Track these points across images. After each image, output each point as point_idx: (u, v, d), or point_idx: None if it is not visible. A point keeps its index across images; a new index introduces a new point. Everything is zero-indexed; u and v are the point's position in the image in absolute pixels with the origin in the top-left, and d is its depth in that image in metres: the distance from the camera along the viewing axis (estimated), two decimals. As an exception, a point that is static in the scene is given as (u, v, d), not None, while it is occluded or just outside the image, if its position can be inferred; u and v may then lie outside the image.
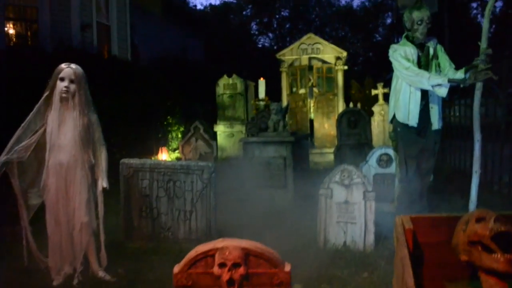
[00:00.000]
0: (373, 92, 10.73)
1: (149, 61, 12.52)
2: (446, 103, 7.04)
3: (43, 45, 8.58)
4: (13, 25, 9.70)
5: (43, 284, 3.35)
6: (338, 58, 11.39)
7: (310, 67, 11.62)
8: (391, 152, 5.10)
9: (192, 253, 1.79)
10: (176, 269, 1.79)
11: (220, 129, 10.86)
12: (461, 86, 4.07)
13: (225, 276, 1.72)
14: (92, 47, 9.99)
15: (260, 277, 1.77)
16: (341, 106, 11.23)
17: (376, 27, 30.69)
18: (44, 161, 3.45)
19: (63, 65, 3.42)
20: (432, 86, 4.07)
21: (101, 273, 3.48)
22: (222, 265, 1.73)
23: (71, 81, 3.38)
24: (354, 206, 3.96)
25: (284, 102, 10.92)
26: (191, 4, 25.81)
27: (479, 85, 3.83)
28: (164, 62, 12.96)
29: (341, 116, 8.88)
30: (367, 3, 29.73)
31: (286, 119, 10.01)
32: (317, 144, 11.18)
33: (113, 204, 4.14)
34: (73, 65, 3.44)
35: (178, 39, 16.99)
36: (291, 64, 11.65)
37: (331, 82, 11.61)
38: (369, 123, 9.03)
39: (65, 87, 3.35)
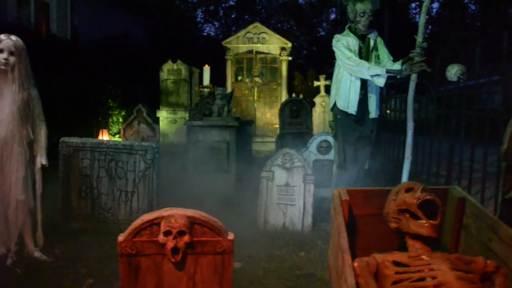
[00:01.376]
0: (316, 83, 11.02)
1: (90, 43, 12.07)
2: (384, 98, 7.40)
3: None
4: None
5: (-26, 265, 3.21)
6: (283, 48, 11.58)
7: (254, 56, 11.73)
8: (330, 139, 5.30)
9: (137, 222, 1.81)
10: (121, 237, 1.81)
11: (163, 115, 10.71)
12: (398, 77, 4.33)
13: (170, 244, 1.77)
14: (30, 24, 9.51)
15: (205, 245, 1.84)
16: (284, 96, 11.44)
17: (320, 22, 31.32)
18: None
19: (2, 36, 3.26)
20: (371, 76, 4.29)
21: (37, 253, 3.39)
22: (167, 233, 1.78)
23: (11, 53, 3.24)
24: (294, 189, 4.11)
25: (229, 89, 10.97)
26: (134, -12, 25.04)
27: (413, 76, 4.08)
28: (105, 44, 12.53)
29: (284, 105, 9.08)
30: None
31: (231, 106, 10.10)
32: (258, 132, 11.33)
33: (52, 183, 4.01)
34: (13, 37, 3.29)
35: (121, 23, 16.49)
36: (237, 53, 11.69)
37: (275, 72, 11.80)
38: (310, 113, 9.30)
39: (4, 59, 3.21)
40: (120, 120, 10.03)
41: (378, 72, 4.25)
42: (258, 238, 3.85)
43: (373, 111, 4.59)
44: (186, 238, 1.78)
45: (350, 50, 4.41)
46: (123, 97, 10.71)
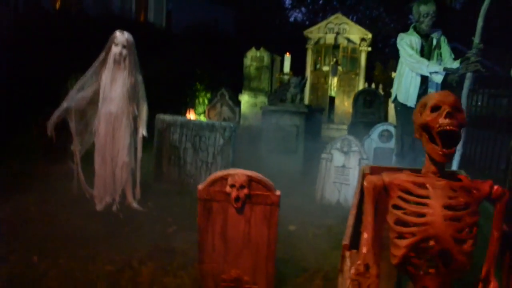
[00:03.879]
0: (393, 74, 11.18)
1: (181, 29, 13.15)
2: (471, 92, 7.43)
3: (87, 9, 9.32)
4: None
5: (88, 209, 4.11)
6: (362, 39, 11.84)
7: (335, 46, 12.09)
8: (392, 129, 5.71)
9: (212, 176, 2.53)
10: (200, 186, 2.54)
11: (245, 98, 11.49)
12: (456, 74, 4.66)
13: (234, 194, 2.46)
14: (131, 14, 10.68)
15: (258, 197, 2.50)
16: (361, 86, 11.73)
17: (410, 10, 30.32)
18: (94, 112, 4.21)
19: (117, 33, 4.13)
20: (430, 73, 4.68)
21: (135, 204, 4.27)
22: (232, 186, 2.47)
23: (124, 47, 4.09)
24: (349, 170, 4.64)
25: (308, 78, 11.50)
26: (225, -25, 26.07)
27: (469, 75, 4.41)
28: (196, 31, 13.56)
29: (357, 95, 9.46)
30: (403, -16, 29.36)
31: (306, 93, 10.62)
32: (336, 120, 11.76)
33: (148, 151, 4.89)
34: (126, 33, 4.15)
35: (211, 10, 17.50)
36: (317, 42, 12.13)
37: (355, 62, 12.11)
38: (384, 104, 9.57)
39: (119, 51, 4.07)
40: (206, 101, 10.98)
41: (436, 69, 4.63)
42: (314, 209, 4.46)
43: (432, 105, 4.95)
44: (245, 190, 2.47)
45: (412, 48, 4.81)
46: (209, 80, 11.65)
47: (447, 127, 1.72)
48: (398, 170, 2.39)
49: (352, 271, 1.68)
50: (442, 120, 1.73)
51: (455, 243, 1.65)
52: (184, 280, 2.78)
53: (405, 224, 1.73)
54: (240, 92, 11.53)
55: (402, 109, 5.02)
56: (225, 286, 2.64)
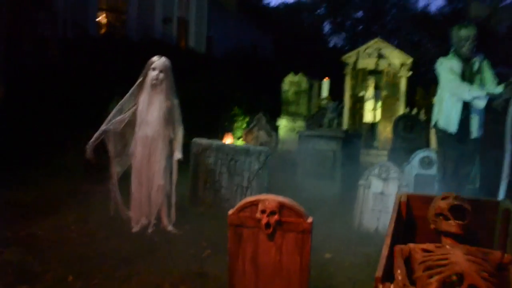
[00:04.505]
0: (434, 100, 10.90)
1: (221, 54, 13.44)
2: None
3: (130, 35, 9.69)
4: (105, 15, 10.90)
5: (125, 230, 4.18)
6: (403, 64, 11.66)
7: (374, 71, 11.96)
8: (433, 155, 5.53)
9: (242, 202, 2.51)
10: (231, 212, 2.52)
11: (283, 123, 11.49)
12: (499, 100, 4.48)
13: (264, 220, 2.42)
14: (172, 39, 11.02)
15: (290, 224, 2.45)
16: (401, 111, 11.49)
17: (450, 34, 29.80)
18: (132, 134, 4.30)
19: (155, 58, 4.24)
20: (472, 98, 4.52)
21: (170, 227, 4.29)
22: (262, 212, 2.43)
23: (161, 71, 4.20)
24: (388, 197, 4.50)
25: (346, 103, 11.40)
26: (264, 2, 26.56)
27: (512, 101, 4.25)
28: (235, 56, 13.82)
29: (397, 120, 9.28)
30: (445, 9, 29.00)
31: (344, 118, 10.52)
32: (380, 146, 11.52)
33: (184, 175, 4.94)
34: (163, 58, 4.26)
35: (250, 35, 17.83)
36: (355, 67, 12.05)
37: (395, 87, 11.90)
38: (425, 129, 9.32)
39: (156, 75, 4.18)
40: (244, 125, 11.08)
41: (478, 94, 4.47)
42: (351, 237, 4.33)
43: (475, 131, 4.76)
44: (276, 217, 2.42)
45: (453, 73, 4.67)
46: (248, 105, 11.77)
47: (455, 202, 2.16)
48: (435, 197, 2.31)
49: None
50: (452, 201, 2.17)
51: (482, 279, 1.65)
52: (214, 305, 2.74)
53: (432, 267, 1.83)
54: (279, 116, 11.56)
55: (443, 135, 4.86)
56: (255, 314, 2.58)
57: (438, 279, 1.70)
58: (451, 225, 2.09)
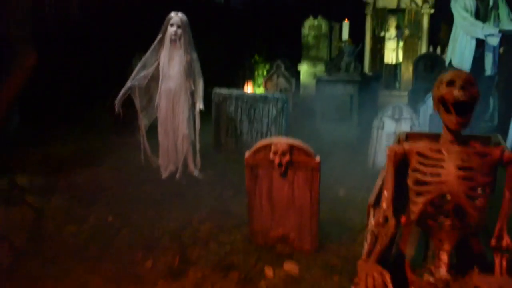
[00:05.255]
0: (457, 37, 10.70)
1: (239, 3, 13.35)
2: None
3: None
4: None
5: (155, 177, 4.53)
6: (424, 1, 11.38)
7: (395, 10, 11.74)
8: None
9: (257, 145, 2.80)
10: (247, 154, 2.82)
11: (304, 68, 11.53)
12: None
13: (277, 160, 2.71)
14: (190, -9, 11.01)
15: (300, 163, 2.74)
16: (424, 50, 11.36)
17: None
18: (156, 88, 4.58)
19: (172, 14, 4.43)
20: (485, 36, 4.58)
21: (196, 172, 4.63)
22: (275, 153, 2.72)
23: (179, 27, 4.39)
24: (401, 137, 4.70)
25: (367, 45, 11.32)
26: None
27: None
28: (253, 3, 13.69)
29: (417, 61, 9.24)
30: None
31: (366, 60, 10.49)
32: (402, 87, 11.50)
33: (207, 123, 5.24)
34: (180, 14, 4.44)
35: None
36: (374, 7, 11.83)
37: (417, 26, 11.69)
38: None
39: (174, 31, 4.38)
40: (264, 73, 11.21)
41: (491, 32, 4.54)
42: (365, 175, 4.59)
43: (489, 69, 4.85)
44: (287, 157, 2.71)
45: (467, 11, 4.71)
46: (268, 52, 11.82)
47: (461, 98, 1.87)
48: (435, 135, 2.52)
49: (373, 222, 1.89)
50: (456, 93, 1.88)
51: (468, 199, 1.80)
52: (237, 236, 3.11)
53: (422, 183, 1.89)
54: (299, 62, 11.60)
55: (457, 73, 4.96)
56: (273, 242, 2.93)
57: (425, 201, 1.86)
58: (451, 120, 1.93)
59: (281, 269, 2.68)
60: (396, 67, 11.80)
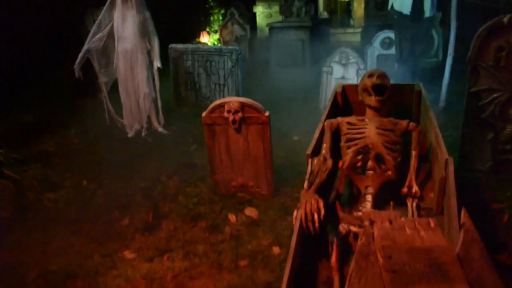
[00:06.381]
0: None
1: None
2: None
3: None
4: None
5: (122, 136, 4.78)
6: None
7: None
8: (392, 36, 5.96)
9: (212, 105, 3.08)
10: (204, 114, 3.11)
11: (259, 10, 11.50)
12: None
13: (230, 118, 3.02)
14: None
15: (251, 119, 3.05)
16: (376, -14, 11.49)
17: None
18: (113, 47, 4.69)
19: (121, -25, 4.47)
20: None
21: (160, 129, 4.89)
22: (228, 111, 3.03)
23: (125, -13, 4.46)
24: (348, 81, 5.06)
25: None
26: None
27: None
28: None
29: (368, -3, 9.42)
30: None
31: (321, 0, 10.60)
32: (355, 24, 11.72)
33: (166, 80, 5.42)
34: (129, -27, 4.49)
35: None
36: None
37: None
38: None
39: (123, -8, 4.45)
40: (220, 18, 11.18)
41: None
42: (316, 119, 4.94)
43: (427, 11, 5.17)
44: (239, 114, 3.02)
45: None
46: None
47: (377, 82, 2.58)
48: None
49: (315, 161, 2.28)
50: (374, 80, 2.59)
51: (385, 148, 2.25)
52: (202, 188, 3.46)
53: (351, 140, 2.42)
54: (254, 4, 11.55)
55: (398, 16, 5.28)
56: (234, 191, 3.30)
57: (353, 150, 2.33)
58: (372, 100, 2.58)
59: (243, 214, 3.06)
60: (348, 4, 11.97)
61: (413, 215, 2.19)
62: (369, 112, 2.62)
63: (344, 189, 2.49)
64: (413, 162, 2.42)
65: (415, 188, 2.30)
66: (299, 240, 1.84)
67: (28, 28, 6.96)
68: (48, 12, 7.27)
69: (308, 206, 2.01)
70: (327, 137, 2.50)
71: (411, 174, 2.37)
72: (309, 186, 2.19)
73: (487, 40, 3.02)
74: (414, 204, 2.26)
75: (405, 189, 2.33)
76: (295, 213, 2.09)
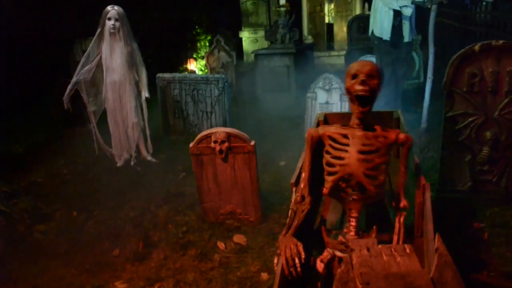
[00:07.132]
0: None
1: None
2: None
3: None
4: None
5: (111, 165, 4.85)
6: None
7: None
8: (374, 60, 6.15)
9: (198, 136, 3.18)
10: (191, 145, 3.20)
11: (245, 35, 11.77)
12: (424, 6, 5.04)
13: (217, 148, 3.11)
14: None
15: (237, 148, 3.15)
16: (358, 10, 11.83)
17: None
18: (102, 78, 4.80)
19: (109, 8, 4.60)
20: (400, 7, 5.08)
21: (149, 157, 4.96)
22: (215, 142, 3.12)
23: (116, 20, 4.59)
24: (332, 106, 5.19)
25: (305, 8, 11.68)
26: None
27: (434, 7, 4.84)
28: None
29: (351, 22, 9.69)
30: None
31: (304, 23, 10.84)
32: (336, 47, 12.01)
33: (154, 108, 5.52)
34: (116, 7, 4.62)
35: None
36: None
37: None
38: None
39: (112, 25, 4.58)
40: (207, 44, 11.38)
41: (405, 3, 5.04)
42: (303, 143, 5.07)
43: (406, 36, 5.37)
44: (226, 144, 3.12)
45: (384, -16, 5.15)
46: (208, 22, 11.91)
47: (360, 93, 2.25)
48: (346, 115, 2.97)
49: (292, 200, 2.34)
50: (357, 87, 2.25)
51: (366, 177, 2.25)
52: (191, 217, 3.52)
53: (331, 165, 2.34)
54: (240, 29, 11.80)
55: (379, 42, 5.47)
56: (223, 218, 3.37)
57: (333, 180, 2.32)
58: (355, 111, 2.32)
59: (231, 241, 3.12)
60: (331, 27, 12.26)
61: (399, 231, 2.24)
62: (354, 118, 2.40)
63: (329, 213, 2.56)
64: (402, 177, 2.37)
65: (403, 203, 2.33)
66: (280, 285, 1.88)
67: (17, 57, 7.06)
68: (37, 41, 7.40)
69: (288, 252, 2.02)
70: (307, 159, 2.43)
71: (400, 190, 2.35)
72: (288, 228, 2.19)
73: (461, 67, 3.17)
74: (402, 218, 2.29)
75: (394, 203, 2.35)
76: (275, 259, 2.11)
